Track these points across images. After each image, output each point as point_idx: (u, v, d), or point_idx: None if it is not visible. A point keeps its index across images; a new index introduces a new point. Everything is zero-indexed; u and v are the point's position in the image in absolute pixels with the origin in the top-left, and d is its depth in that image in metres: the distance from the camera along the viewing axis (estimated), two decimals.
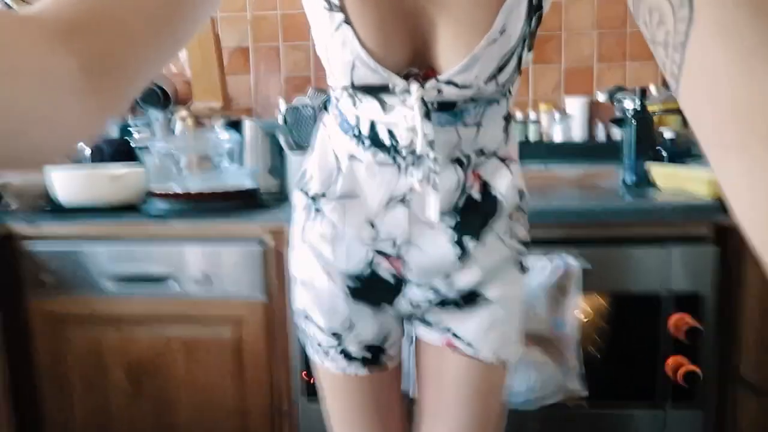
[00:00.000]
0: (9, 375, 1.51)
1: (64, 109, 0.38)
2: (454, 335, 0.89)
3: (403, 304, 0.88)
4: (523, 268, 0.91)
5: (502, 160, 0.84)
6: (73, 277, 1.50)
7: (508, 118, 0.84)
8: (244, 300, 1.46)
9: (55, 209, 1.58)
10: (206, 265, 1.45)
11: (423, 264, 0.84)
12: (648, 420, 1.37)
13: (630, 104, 1.62)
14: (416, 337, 0.96)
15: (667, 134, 1.68)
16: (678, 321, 1.31)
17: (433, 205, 0.78)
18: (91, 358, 1.51)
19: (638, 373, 1.40)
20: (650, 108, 1.62)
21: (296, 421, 1.47)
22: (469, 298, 0.87)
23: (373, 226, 0.83)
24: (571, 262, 1.28)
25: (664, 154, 1.65)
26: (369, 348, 0.91)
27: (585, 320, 1.51)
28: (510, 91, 0.82)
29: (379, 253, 0.85)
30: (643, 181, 1.59)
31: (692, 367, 1.31)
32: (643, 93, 1.60)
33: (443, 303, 0.88)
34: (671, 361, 1.33)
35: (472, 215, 0.83)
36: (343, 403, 0.95)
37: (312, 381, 1.42)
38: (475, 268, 0.85)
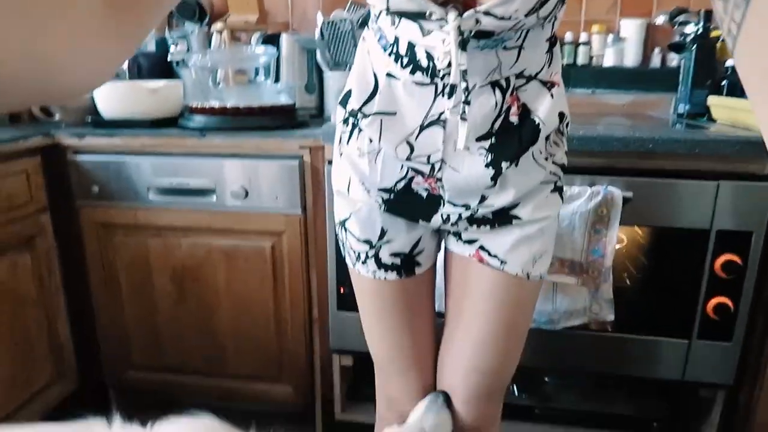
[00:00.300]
0: (63, 278, 1.61)
1: (89, 44, 0.37)
2: (484, 249, 0.92)
3: (436, 220, 0.91)
4: (559, 191, 0.91)
5: (544, 83, 0.82)
6: (118, 187, 1.55)
7: (553, 40, 0.82)
8: (281, 213, 1.49)
9: (97, 122, 1.61)
10: (245, 180, 1.48)
11: (457, 184, 0.86)
12: (673, 348, 1.39)
13: (691, 28, 1.51)
14: (446, 249, 1.00)
15: (729, 63, 1.57)
16: (719, 257, 1.29)
17: (461, 135, 0.79)
18: (137, 265, 1.60)
19: (668, 305, 1.40)
20: (714, 34, 1.51)
21: (327, 328, 1.55)
22: (503, 218, 0.89)
23: (409, 144, 0.84)
24: (612, 190, 1.26)
25: (725, 84, 1.55)
26: (400, 255, 0.96)
27: (622, 249, 1.50)
28: (556, 16, 0.78)
29: (415, 170, 0.87)
30: (699, 113, 1.51)
31: (724, 300, 1.31)
32: (708, 16, 1.48)
33: (476, 221, 0.90)
34: (704, 295, 1.33)
35: (509, 139, 0.82)
36: (374, 305, 1.02)
37: (344, 292, 1.48)
38: (509, 190, 0.86)
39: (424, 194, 0.89)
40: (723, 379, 1.38)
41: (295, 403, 1.68)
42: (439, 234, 0.99)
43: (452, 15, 0.71)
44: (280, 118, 1.57)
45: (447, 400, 0.96)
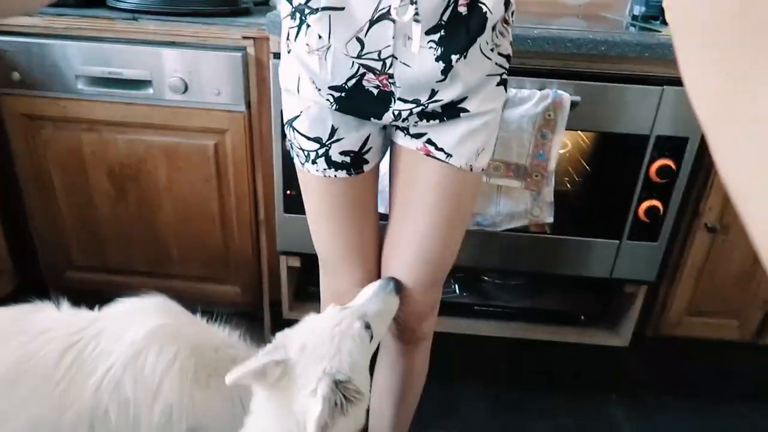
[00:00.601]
0: None
1: None
2: (431, 143, 0.93)
3: (388, 117, 0.90)
4: (504, 83, 0.93)
5: None
6: (42, 75, 1.42)
7: None
8: (224, 110, 1.43)
9: None
10: (184, 72, 1.39)
11: (409, 80, 0.85)
12: (604, 248, 1.47)
13: None
14: (393, 144, 1.00)
15: None
16: (655, 162, 1.35)
17: (415, 37, 0.79)
18: (71, 161, 1.51)
19: (603, 208, 1.47)
20: None
21: (273, 230, 1.55)
22: (451, 112, 0.90)
23: (359, 40, 0.82)
24: (561, 94, 1.26)
25: None
26: (349, 154, 0.96)
27: (565, 153, 1.54)
28: None
29: (366, 67, 0.85)
30: (653, 15, 1.50)
31: (655, 203, 1.38)
32: None
33: (426, 116, 0.90)
34: (638, 199, 1.39)
35: (458, 30, 0.82)
36: (323, 203, 1.03)
37: (290, 194, 1.47)
38: (458, 83, 0.86)
39: (375, 91, 0.88)
40: (646, 276, 1.50)
41: (244, 302, 1.71)
42: (386, 130, 0.99)
43: None
44: (221, 3, 1.46)
45: (398, 286, 0.99)
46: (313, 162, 0.96)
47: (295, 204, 1.48)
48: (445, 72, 0.83)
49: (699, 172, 1.39)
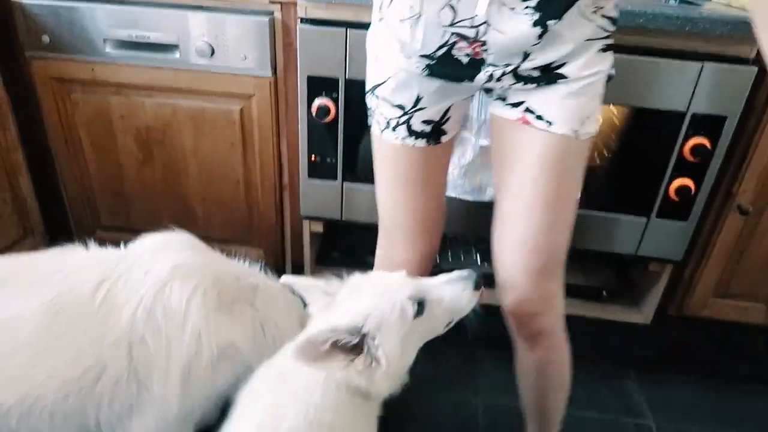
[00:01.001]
0: (21, 135, 1.53)
1: None
2: (530, 111, 0.90)
3: (480, 78, 0.89)
4: (609, 48, 0.88)
5: None
6: (71, 38, 1.42)
7: None
8: (250, 75, 1.42)
9: None
10: (210, 36, 1.37)
11: (502, 47, 0.84)
12: (631, 225, 1.45)
13: None
14: (492, 117, 0.98)
15: None
16: (689, 140, 1.30)
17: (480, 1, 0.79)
18: (99, 123, 1.53)
19: (632, 184, 1.44)
20: None
21: (297, 195, 1.55)
22: (548, 76, 0.87)
23: (452, 7, 0.82)
24: None
25: None
26: (430, 123, 0.97)
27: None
28: None
29: (458, 35, 0.85)
30: None
31: (687, 182, 1.34)
32: None
33: (522, 78, 0.88)
34: (669, 177, 1.36)
35: None
36: (397, 171, 1.04)
37: (314, 160, 1.47)
38: (555, 47, 0.84)
39: (465, 60, 0.88)
40: (673, 255, 1.47)
41: (266, 265, 1.73)
42: (473, 100, 0.98)
43: None
44: None
45: (477, 283, 0.92)
46: (393, 129, 0.98)
47: (318, 169, 1.49)
48: (541, 36, 0.82)
49: (735, 153, 1.34)
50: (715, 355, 1.68)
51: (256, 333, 1.10)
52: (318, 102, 1.37)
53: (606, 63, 0.89)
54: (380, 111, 0.99)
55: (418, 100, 0.95)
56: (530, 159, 0.91)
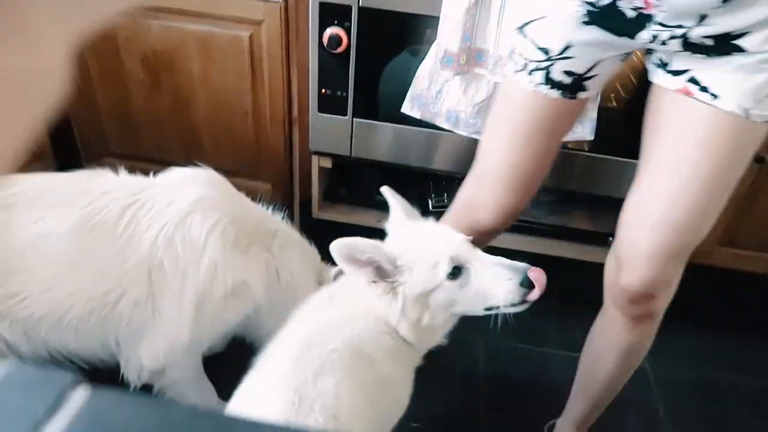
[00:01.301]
0: None
1: None
2: (694, 81, 0.81)
3: (642, 36, 0.81)
4: None
5: None
6: None
7: None
8: (261, 0, 1.36)
9: None
10: None
11: (679, 3, 0.75)
12: None
13: None
14: (650, 85, 0.91)
15: None
16: None
17: None
18: (106, 47, 1.49)
19: None
20: None
21: (306, 129, 1.53)
22: (723, 46, 0.77)
23: None
24: None
25: None
26: (572, 75, 0.90)
27: None
28: None
29: None
30: None
31: None
32: None
33: (691, 46, 0.79)
34: None
35: None
36: (518, 117, 0.98)
37: (325, 93, 1.43)
38: (739, 13, 0.73)
39: (632, 14, 0.79)
40: None
41: (274, 199, 1.74)
42: (619, 63, 0.90)
43: None
44: None
45: (527, 281, 0.88)
46: (530, 73, 0.91)
47: (329, 103, 1.46)
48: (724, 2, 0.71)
49: None
50: (716, 304, 1.70)
51: (270, 277, 1.13)
52: (330, 31, 1.33)
53: None
54: (521, 51, 0.92)
55: (566, 47, 0.87)
56: (692, 139, 0.83)
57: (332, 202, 1.73)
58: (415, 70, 1.33)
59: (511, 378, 1.56)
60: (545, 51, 0.89)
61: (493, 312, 0.92)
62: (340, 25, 1.33)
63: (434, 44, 1.27)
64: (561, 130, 1.00)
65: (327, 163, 1.60)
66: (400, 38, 1.38)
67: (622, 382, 1.17)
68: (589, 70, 0.90)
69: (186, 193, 1.06)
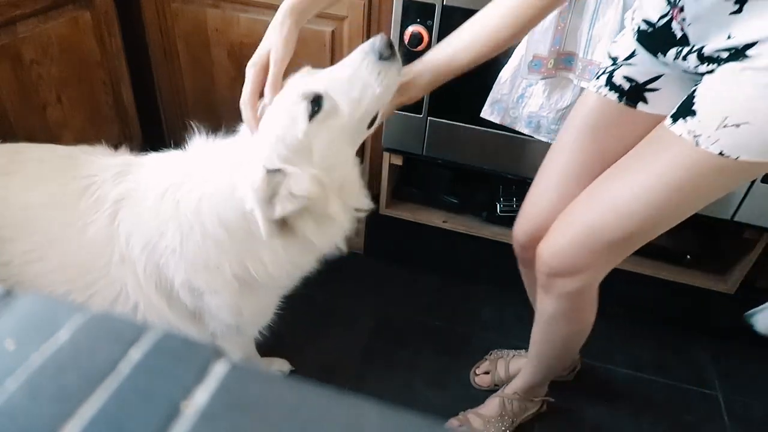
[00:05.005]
0: (124, 43, 1.59)
1: None
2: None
3: (671, 53, 0.86)
4: None
5: None
6: None
7: None
8: None
9: None
10: None
11: (697, 11, 0.78)
12: None
13: None
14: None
15: None
16: None
17: None
18: (196, 37, 1.56)
19: None
20: None
21: (380, 126, 1.54)
22: (734, 56, 0.76)
23: None
24: None
25: None
26: (631, 81, 0.95)
27: None
28: None
29: (669, 3, 0.82)
30: None
31: None
32: None
33: (707, 59, 0.80)
34: None
35: None
36: (578, 114, 1.03)
37: None
38: (756, 21, 0.72)
39: (679, 34, 0.83)
40: None
41: None
42: (686, 84, 0.89)
43: None
44: None
45: (385, 50, 0.81)
46: (597, 77, 0.99)
47: None
48: (738, 9, 0.72)
49: None
50: None
51: None
52: (411, 29, 1.33)
53: None
54: (603, 62, 1.00)
55: (632, 54, 0.94)
56: (630, 137, 0.92)
57: (400, 199, 1.74)
58: (493, 71, 1.31)
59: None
60: (614, 59, 0.96)
61: (377, 121, 0.85)
62: (422, 23, 1.33)
63: (518, 47, 1.25)
64: (614, 139, 0.98)
65: (398, 160, 1.61)
66: None
67: (553, 353, 1.19)
68: (650, 81, 0.93)
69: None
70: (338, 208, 0.85)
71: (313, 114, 0.79)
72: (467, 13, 1.29)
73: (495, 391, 1.35)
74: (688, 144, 0.79)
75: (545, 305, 1.07)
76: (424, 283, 1.72)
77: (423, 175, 1.73)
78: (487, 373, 1.44)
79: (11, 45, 1.25)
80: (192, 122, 1.75)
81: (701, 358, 1.59)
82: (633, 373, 1.53)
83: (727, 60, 0.76)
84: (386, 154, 1.60)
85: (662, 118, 0.87)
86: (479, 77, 1.37)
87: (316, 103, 0.78)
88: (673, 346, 1.60)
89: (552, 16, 1.17)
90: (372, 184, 1.72)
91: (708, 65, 0.79)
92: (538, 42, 1.21)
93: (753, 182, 1.31)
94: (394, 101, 0.89)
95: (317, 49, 1.48)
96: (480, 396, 1.36)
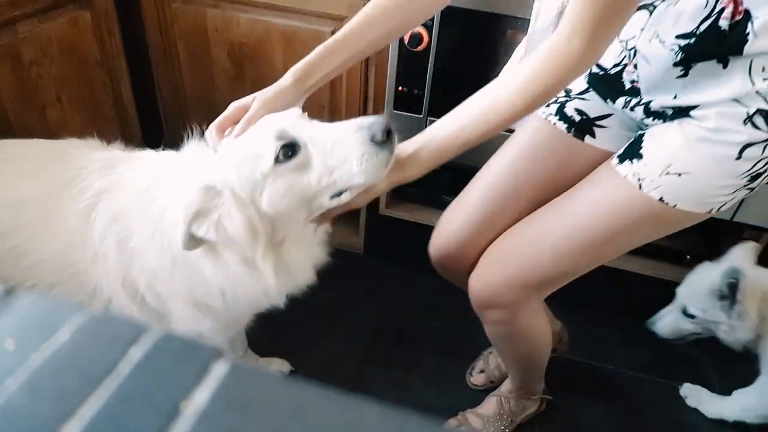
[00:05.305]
0: (124, 43, 1.59)
1: None
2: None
3: (620, 102, 0.90)
4: (762, 119, 0.75)
5: None
6: None
7: None
8: None
9: None
10: None
11: (647, 75, 0.83)
12: None
13: None
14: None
15: None
16: None
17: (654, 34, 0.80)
18: (196, 35, 1.56)
19: None
20: None
21: None
22: (679, 113, 0.82)
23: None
24: None
25: None
26: (583, 114, 0.97)
27: None
28: None
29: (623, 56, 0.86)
30: None
31: None
32: None
33: (653, 113, 0.86)
34: None
35: (710, 42, 0.73)
36: (517, 136, 1.02)
37: (402, 91, 1.44)
38: (695, 89, 0.78)
39: (628, 85, 0.87)
40: None
41: None
42: (629, 128, 0.94)
43: None
44: None
45: (384, 134, 0.73)
46: (548, 105, 0.99)
47: (405, 101, 1.46)
48: (684, 74, 0.78)
49: None
50: None
51: None
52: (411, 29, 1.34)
53: (740, 135, 0.76)
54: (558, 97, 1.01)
55: (586, 90, 0.96)
56: (576, 176, 0.92)
57: (400, 199, 1.74)
58: (494, 72, 1.31)
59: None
60: (568, 91, 0.98)
61: (342, 200, 0.76)
62: (422, 23, 1.33)
63: (517, 47, 1.25)
64: (554, 167, 0.97)
65: None
66: (480, 39, 1.37)
67: (521, 364, 1.20)
68: (600, 118, 0.95)
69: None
70: (268, 264, 0.78)
71: (282, 159, 0.72)
72: (467, 14, 1.30)
73: (493, 390, 1.35)
74: (631, 186, 0.83)
75: (487, 330, 1.08)
76: (424, 283, 1.72)
77: (423, 176, 1.73)
78: (482, 371, 1.44)
79: (11, 45, 1.25)
80: (193, 125, 1.75)
81: (701, 358, 1.59)
82: (633, 373, 1.53)
83: (672, 117, 0.81)
84: None
85: (606, 153, 0.92)
86: (479, 77, 1.37)
87: (290, 149, 0.72)
88: (672, 346, 1.60)
89: (552, 16, 1.17)
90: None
91: (654, 120, 0.84)
92: (538, 42, 1.21)
93: None
94: (389, 179, 0.80)
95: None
96: (480, 396, 1.37)
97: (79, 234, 0.90)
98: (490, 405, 1.31)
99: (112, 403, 0.18)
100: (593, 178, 0.90)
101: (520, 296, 0.95)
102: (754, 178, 0.80)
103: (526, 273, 0.92)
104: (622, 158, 0.86)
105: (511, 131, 1.07)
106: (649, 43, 0.79)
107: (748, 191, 0.82)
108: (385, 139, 0.72)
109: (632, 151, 0.85)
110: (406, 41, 1.35)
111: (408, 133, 1.51)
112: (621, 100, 0.89)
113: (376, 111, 1.55)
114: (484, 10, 1.29)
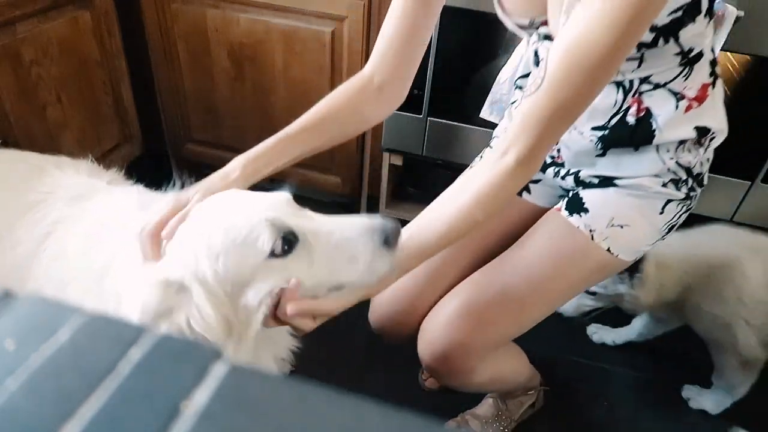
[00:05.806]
0: (124, 43, 1.59)
1: None
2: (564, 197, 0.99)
3: (549, 171, 0.98)
4: (678, 200, 0.88)
5: (674, 94, 0.80)
6: None
7: (690, 56, 0.78)
8: None
9: None
10: None
11: (570, 156, 0.93)
12: (732, 188, 1.35)
13: None
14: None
15: None
16: None
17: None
18: (195, 35, 1.56)
19: (741, 145, 1.33)
20: None
21: (380, 127, 1.55)
22: (605, 182, 0.91)
23: None
24: (726, 5, 1.10)
25: None
26: None
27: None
28: (677, 35, 0.74)
29: None
30: None
31: None
32: None
33: (582, 183, 0.94)
34: None
35: (621, 134, 0.84)
36: None
37: None
38: (615, 165, 0.88)
39: (549, 160, 0.97)
40: None
41: (343, 193, 1.77)
42: (555, 197, 1.01)
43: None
44: None
45: (392, 237, 0.67)
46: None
47: (405, 101, 1.46)
48: (602, 154, 0.89)
49: None
50: None
51: None
52: None
53: (663, 195, 0.88)
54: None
55: None
56: (534, 228, 0.94)
57: (400, 199, 1.74)
58: (494, 72, 1.31)
59: None
60: None
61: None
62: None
63: (518, 47, 1.25)
64: (493, 222, 1.00)
65: (398, 160, 1.61)
66: (480, 40, 1.37)
67: (501, 387, 1.19)
68: (533, 182, 1.03)
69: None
70: (238, 354, 0.68)
71: (279, 252, 0.63)
72: (466, 13, 1.30)
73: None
74: (585, 236, 0.88)
75: (444, 383, 1.08)
76: None
77: (423, 175, 1.73)
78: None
79: (11, 45, 1.25)
80: (191, 125, 1.75)
81: (701, 358, 1.59)
82: (633, 373, 1.53)
83: (598, 185, 0.91)
84: (386, 155, 1.60)
85: (539, 208, 1.00)
86: (479, 77, 1.38)
87: (285, 241, 0.63)
88: (672, 347, 1.60)
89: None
90: (371, 184, 1.73)
91: (584, 188, 0.92)
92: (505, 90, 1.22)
93: (753, 182, 1.32)
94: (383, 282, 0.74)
95: (317, 49, 1.48)
96: (479, 397, 1.36)
97: (25, 265, 0.84)
98: (486, 406, 1.31)
99: (112, 403, 0.18)
100: (543, 229, 0.92)
101: (482, 355, 0.94)
102: (669, 231, 0.91)
103: (491, 331, 0.91)
104: (570, 211, 0.91)
105: None
106: (568, 134, 0.88)
107: (661, 240, 0.92)
108: (393, 244, 0.67)
109: (576, 206, 0.91)
110: None
111: (409, 134, 1.52)
112: (550, 171, 0.98)
113: None
114: (484, 10, 1.29)
